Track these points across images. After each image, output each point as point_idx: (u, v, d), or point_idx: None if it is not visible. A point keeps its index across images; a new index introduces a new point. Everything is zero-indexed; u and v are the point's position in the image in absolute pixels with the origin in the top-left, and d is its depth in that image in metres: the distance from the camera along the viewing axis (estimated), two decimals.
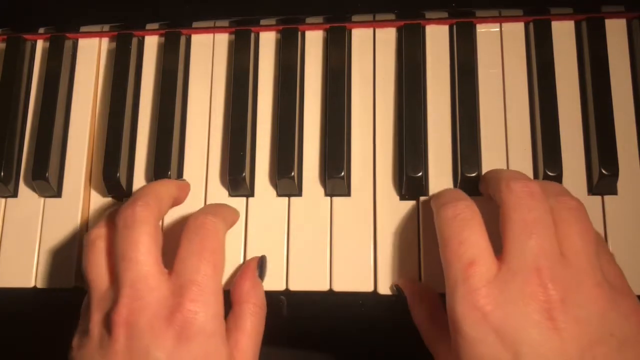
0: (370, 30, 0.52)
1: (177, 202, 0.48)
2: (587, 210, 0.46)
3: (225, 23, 0.52)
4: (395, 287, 0.46)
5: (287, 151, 0.48)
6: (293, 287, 0.47)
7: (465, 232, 0.39)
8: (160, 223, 0.48)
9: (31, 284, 0.49)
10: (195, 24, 0.53)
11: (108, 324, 0.40)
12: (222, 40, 0.53)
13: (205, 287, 0.40)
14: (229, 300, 0.45)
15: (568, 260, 0.37)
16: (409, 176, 0.47)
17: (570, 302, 0.36)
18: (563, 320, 0.35)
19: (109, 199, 0.51)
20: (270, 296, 0.46)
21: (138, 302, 0.40)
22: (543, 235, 0.37)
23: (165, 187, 0.46)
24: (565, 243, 0.38)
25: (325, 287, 0.47)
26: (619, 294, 0.38)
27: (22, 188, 0.52)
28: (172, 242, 0.44)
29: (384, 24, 0.52)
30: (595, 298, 0.36)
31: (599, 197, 0.47)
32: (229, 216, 0.46)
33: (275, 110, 0.51)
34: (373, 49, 0.52)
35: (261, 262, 0.47)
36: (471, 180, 0.46)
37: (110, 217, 0.44)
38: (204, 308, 0.40)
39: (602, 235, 0.46)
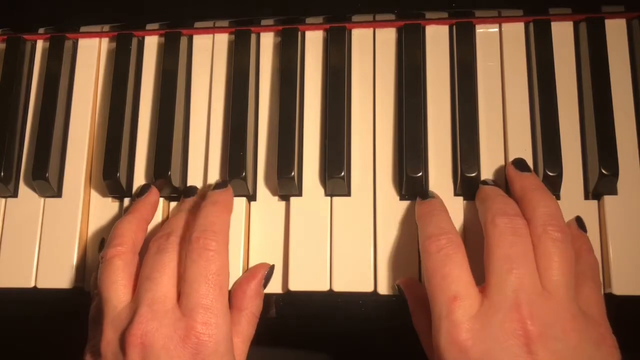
0: (370, 30, 0.52)
1: None
2: (586, 210, 0.46)
3: (225, 23, 0.52)
4: (397, 287, 0.46)
5: (287, 151, 0.48)
6: (293, 287, 0.47)
7: (448, 266, 0.40)
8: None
9: (31, 284, 0.49)
10: (195, 24, 0.53)
11: (122, 343, 0.41)
12: (222, 40, 0.53)
13: (214, 309, 0.41)
14: None
15: (547, 293, 0.39)
16: (409, 176, 0.47)
17: (548, 336, 0.37)
18: (542, 354, 0.37)
19: (109, 199, 0.51)
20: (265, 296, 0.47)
21: (153, 322, 0.40)
22: (523, 270, 0.39)
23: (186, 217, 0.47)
24: (544, 275, 0.39)
25: (325, 287, 0.47)
26: (592, 324, 0.39)
27: (22, 188, 0.52)
28: None
29: (384, 24, 0.52)
30: (570, 331, 0.38)
31: (598, 197, 0.47)
32: (227, 217, 0.46)
33: (275, 110, 0.51)
34: (373, 49, 0.52)
35: (269, 271, 0.47)
36: (471, 180, 0.46)
37: (126, 236, 0.45)
38: (215, 330, 0.41)
39: (599, 236, 0.46)
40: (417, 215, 0.45)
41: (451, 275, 0.40)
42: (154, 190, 0.49)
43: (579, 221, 0.46)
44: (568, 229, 0.41)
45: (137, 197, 0.49)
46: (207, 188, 0.50)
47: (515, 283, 0.38)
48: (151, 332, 0.40)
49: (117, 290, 0.43)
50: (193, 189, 0.50)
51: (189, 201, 0.49)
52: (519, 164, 0.46)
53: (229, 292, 0.46)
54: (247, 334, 0.45)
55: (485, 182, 0.47)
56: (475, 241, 0.45)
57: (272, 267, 0.48)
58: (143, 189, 0.49)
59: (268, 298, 0.47)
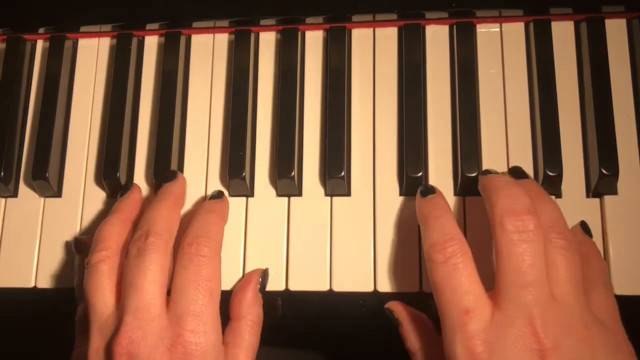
0: (370, 30, 0.52)
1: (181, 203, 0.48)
2: (588, 208, 0.46)
3: (225, 23, 0.52)
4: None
5: (287, 151, 0.48)
6: (293, 287, 0.47)
7: (456, 278, 0.39)
8: None
9: (31, 284, 0.49)
10: (195, 24, 0.53)
11: (108, 352, 0.40)
12: (222, 40, 0.53)
13: (203, 316, 0.41)
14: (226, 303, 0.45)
15: (557, 302, 0.38)
16: (409, 176, 0.47)
17: (562, 347, 0.37)
18: None
19: (109, 199, 0.51)
20: (267, 296, 0.46)
21: (139, 331, 0.40)
22: (536, 286, 0.38)
23: (173, 210, 0.46)
24: (553, 284, 0.39)
25: (325, 287, 0.47)
26: (606, 331, 0.39)
27: (22, 188, 0.52)
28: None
29: (384, 24, 0.52)
30: (584, 339, 0.37)
31: (598, 197, 0.47)
32: (222, 226, 0.46)
33: (275, 110, 0.51)
34: (373, 49, 0.52)
35: (263, 276, 0.46)
36: (471, 180, 0.46)
37: (110, 239, 0.44)
38: (203, 338, 0.40)
39: (602, 235, 0.46)
40: (418, 216, 0.44)
41: (461, 288, 0.38)
42: (136, 188, 0.49)
43: (584, 226, 0.45)
44: (571, 234, 0.40)
45: (119, 197, 0.48)
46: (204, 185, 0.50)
47: (529, 298, 0.37)
48: (137, 341, 0.39)
49: (103, 297, 0.42)
50: (173, 173, 0.48)
51: (166, 191, 0.47)
52: (516, 172, 0.46)
53: (229, 301, 0.46)
54: (249, 343, 0.44)
55: (487, 172, 0.45)
56: (478, 241, 0.45)
57: (265, 271, 0.47)
58: (125, 188, 0.49)
59: (270, 299, 0.47)
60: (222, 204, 0.47)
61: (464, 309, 0.38)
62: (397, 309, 0.45)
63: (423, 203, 0.44)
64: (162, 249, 0.42)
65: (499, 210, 0.40)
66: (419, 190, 0.45)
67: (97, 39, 0.54)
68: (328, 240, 0.47)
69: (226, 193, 0.49)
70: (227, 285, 0.47)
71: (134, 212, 0.48)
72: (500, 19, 0.51)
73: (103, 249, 0.44)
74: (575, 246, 0.40)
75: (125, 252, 0.44)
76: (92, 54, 0.54)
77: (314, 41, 0.52)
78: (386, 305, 0.46)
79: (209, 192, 0.50)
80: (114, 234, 0.45)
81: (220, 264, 0.43)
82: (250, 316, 0.45)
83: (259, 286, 0.46)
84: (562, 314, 0.38)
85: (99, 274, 0.43)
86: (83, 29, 0.54)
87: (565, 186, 0.47)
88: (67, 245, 0.50)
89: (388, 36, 0.52)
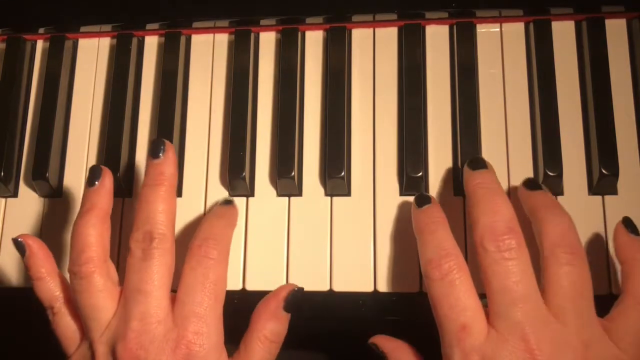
0: (370, 30, 0.52)
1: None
2: (587, 210, 0.46)
3: (225, 23, 0.52)
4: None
5: (287, 151, 0.48)
6: None
7: (453, 295, 0.39)
8: None
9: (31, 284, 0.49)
10: (195, 24, 0.53)
11: (115, 356, 0.40)
12: (222, 40, 0.53)
13: (207, 319, 0.41)
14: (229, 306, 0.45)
15: (555, 319, 0.38)
16: (409, 176, 0.47)
17: None
18: None
19: None
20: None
21: (147, 335, 0.40)
22: (526, 302, 0.38)
23: (170, 199, 0.43)
24: (552, 300, 0.38)
25: (325, 287, 0.47)
26: (612, 354, 0.38)
27: (22, 188, 0.52)
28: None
29: (384, 24, 0.52)
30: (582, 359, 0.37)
31: (599, 197, 0.47)
32: (230, 231, 0.46)
33: (275, 110, 0.51)
34: (373, 49, 0.52)
35: (293, 294, 0.44)
36: None
37: (94, 245, 0.42)
38: (207, 340, 0.40)
39: (604, 231, 0.46)
40: (414, 228, 0.43)
41: (458, 304, 0.38)
42: (107, 174, 0.44)
43: (627, 223, 0.43)
44: (580, 248, 0.39)
45: (88, 186, 0.44)
46: (206, 187, 0.50)
47: (519, 316, 0.37)
48: (144, 346, 0.39)
49: (104, 307, 0.41)
50: (160, 143, 0.44)
51: (157, 173, 0.44)
52: (529, 183, 0.45)
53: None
54: (257, 358, 0.42)
55: (476, 165, 0.44)
56: None
57: (296, 289, 0.44)
58: (94, 174, 0.44)
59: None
60: (232, 210, 0.47)
61: (461, 325, 0.38)
62: (380, 341, 0.44)
63: (419, 214, 0.43)
64: (168, 251, 0.42)
65: (480, 230, 0.40)
66: (414, 200, 0.44)
67: (97, 39, 0.54)
68: (328, 240, 0.47)
69: (226, 193, 0.49)
70: (227, 285, 0.47)
71: (110, 204, 0.44)
72: (500, 19, 0.51)
73: (90, 260, 0.41)
74: (583, 258, 0.39)
75: (109, 252, 0.43)
76: (92, 54, 0.54)
77: (314, 41, 0.52)
78: (370, 340, 0.45)
79: (209, 192, 0.50)
80: (96, 236, 0.42)
81: (227, 268, 0.43)
82: (264, 331, 0.43)
83: (284, 303, 0.43)
84: (558, 332, 0.37)
85: (94, 287, 0.41)
86: (83, 29, 0.54)
87: (566, 183, 0.47)
88: (67, 245, 0.49)
89: (388, 36, 0.52)
